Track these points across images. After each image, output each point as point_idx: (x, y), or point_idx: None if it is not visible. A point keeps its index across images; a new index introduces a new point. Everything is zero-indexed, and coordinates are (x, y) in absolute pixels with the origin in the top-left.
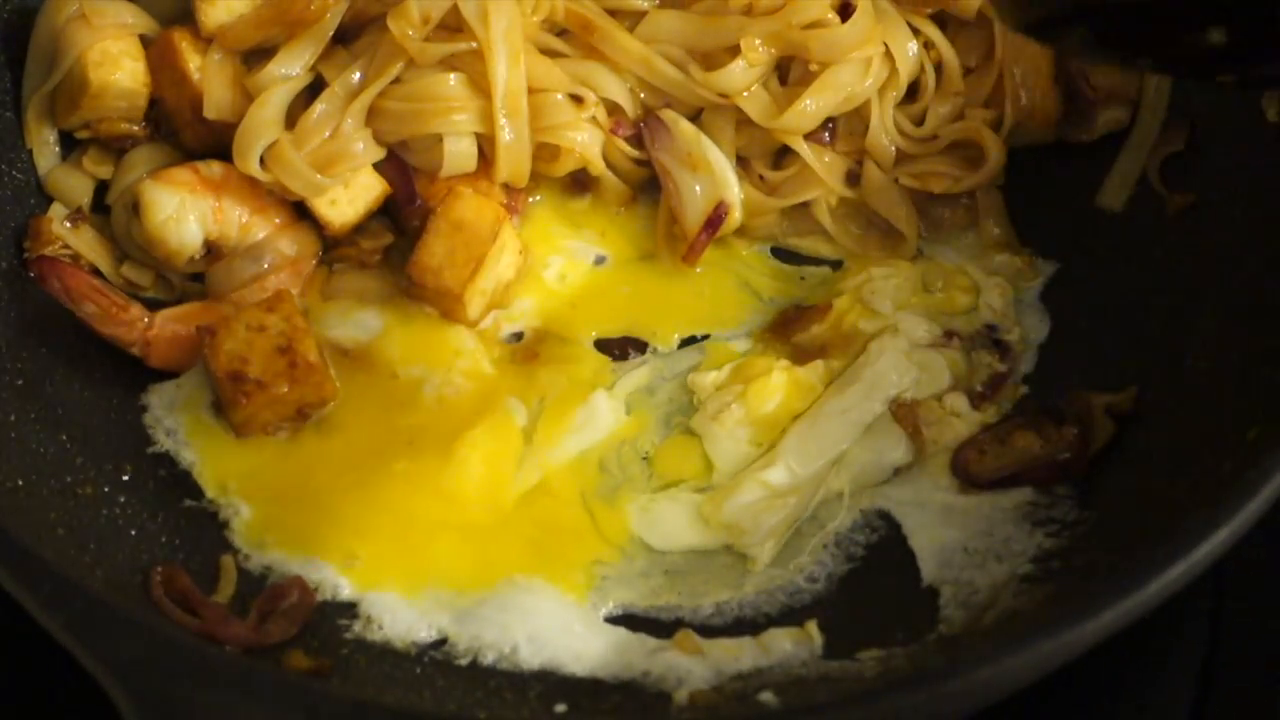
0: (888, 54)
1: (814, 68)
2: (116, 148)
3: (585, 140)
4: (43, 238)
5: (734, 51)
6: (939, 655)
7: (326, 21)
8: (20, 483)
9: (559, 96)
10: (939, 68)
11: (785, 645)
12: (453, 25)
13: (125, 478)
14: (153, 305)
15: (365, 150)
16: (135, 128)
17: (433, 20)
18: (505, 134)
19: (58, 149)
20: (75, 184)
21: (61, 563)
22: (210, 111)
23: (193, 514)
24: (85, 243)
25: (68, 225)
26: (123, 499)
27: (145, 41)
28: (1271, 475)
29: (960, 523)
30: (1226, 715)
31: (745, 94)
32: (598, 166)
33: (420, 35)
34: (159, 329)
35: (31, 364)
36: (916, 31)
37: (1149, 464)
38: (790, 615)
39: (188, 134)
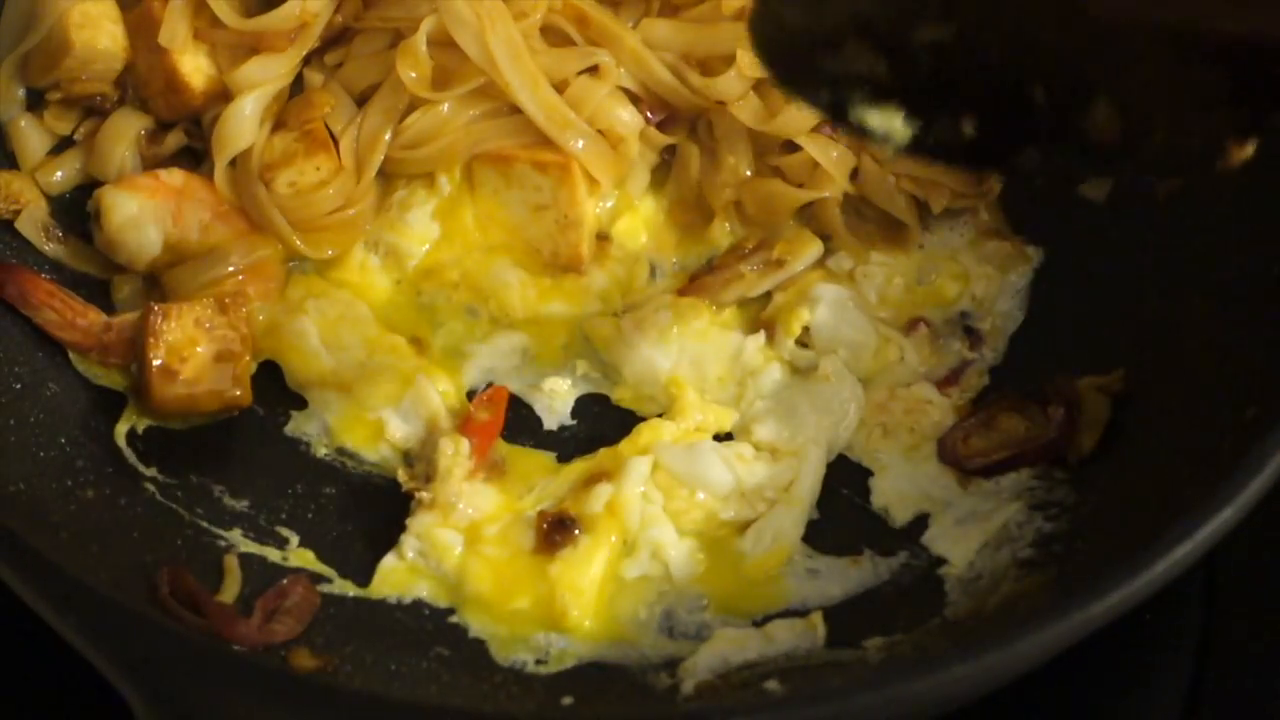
0: None
1: None
2: (82, 106)
3: (630, 120)
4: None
5: (729, 60)
6: (944, 641)
7: (312, 29)
8: (22, 486)
9: (579, 77)
10: None
11: (789, 635)
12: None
13: (126, 480)
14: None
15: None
16: (107, 88)
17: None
18: (572, 145)
19: (25, 109)
20: (35, 139)
21: (68, 565)
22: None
23: (195, 514)
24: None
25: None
26: (123, 501)
27: (121, 4)
28: (1273, 453)
29: (960, 510)
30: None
31: (740, 101)
32: (635, 148)
33: (427, 77)
34: (116, 333)
35: (29, 367)
36: None
37: (1147, 447)
38: (794, 607)
39: (158, 103)
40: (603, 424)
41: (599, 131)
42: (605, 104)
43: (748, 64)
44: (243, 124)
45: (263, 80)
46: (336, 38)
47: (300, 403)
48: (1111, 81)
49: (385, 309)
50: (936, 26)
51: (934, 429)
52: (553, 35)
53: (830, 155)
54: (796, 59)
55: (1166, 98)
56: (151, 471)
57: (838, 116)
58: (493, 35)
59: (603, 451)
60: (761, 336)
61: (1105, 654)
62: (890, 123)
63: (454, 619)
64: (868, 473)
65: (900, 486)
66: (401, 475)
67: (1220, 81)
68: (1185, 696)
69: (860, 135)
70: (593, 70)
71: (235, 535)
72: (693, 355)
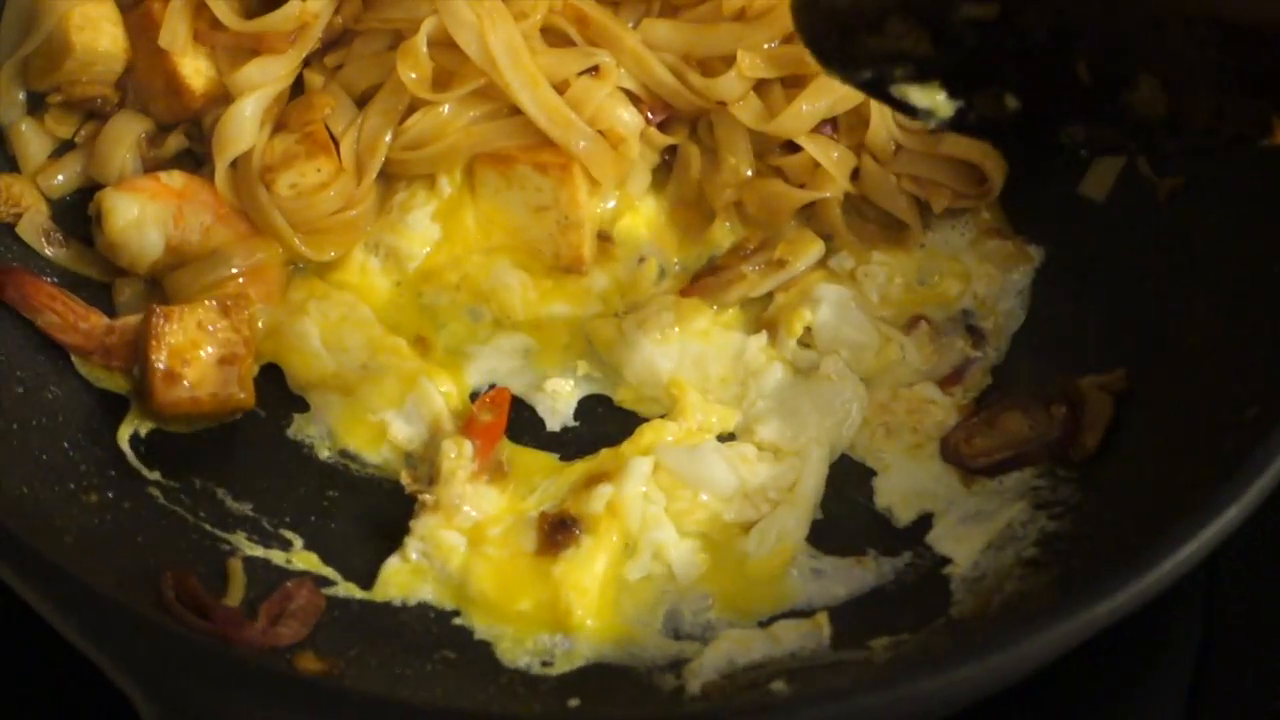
0: None
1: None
2: (83, 109)
3: (631, 121)
4: (0, 196)
5: (730, 60)
6: (949, 640)
7: (311, 31)
8: (25, 490)
9: (580, 78)
10: None
11: (795, 636)
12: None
13: (129, 484)
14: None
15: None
16: (108, 91)
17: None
18: (574, 145)
19: (25, 113)
20: (36, 142)
21: (72, 569)
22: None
23: (199, 517)
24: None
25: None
26: (127, 504)
27: (121, 6)
28: (1277, 451)
29: (964, 509)
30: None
31: (741, 101)
32: (636, 148)
33: (428, 78)
34: (118, 336)
35: (32, 371)
36: None
37: (1149, 446)
38: (799, 607)
39: (158, 105)
40: (605, 425)
41: (600, 132)
42: (606, 105)
43: (748, 65)
44: (243, 126)
45: (263, 82)
46: (336, 39)
47: (302, 405)
48: (1156, 59)
49: (386, 310)
50: (980, 4)
51: (937, 428)
52: (552, 36)
53: (831, 156)
54: (839, 37)
55: (1212, 75)
56: (155, 475)
57: (880, 94)
58: (493, 36)
59: (604, 452)
60: (763, 337)
61: (1106, 655)
62: (933, 99)
63: (459, 621)
64: (871, 473)
65: (903, 486)
66: (405, 478)
67: (1265, 59)
68: (1186, 697)
69: (903, 111)
70: (593, 71)
71: (239, 538)
72: (694, 356)
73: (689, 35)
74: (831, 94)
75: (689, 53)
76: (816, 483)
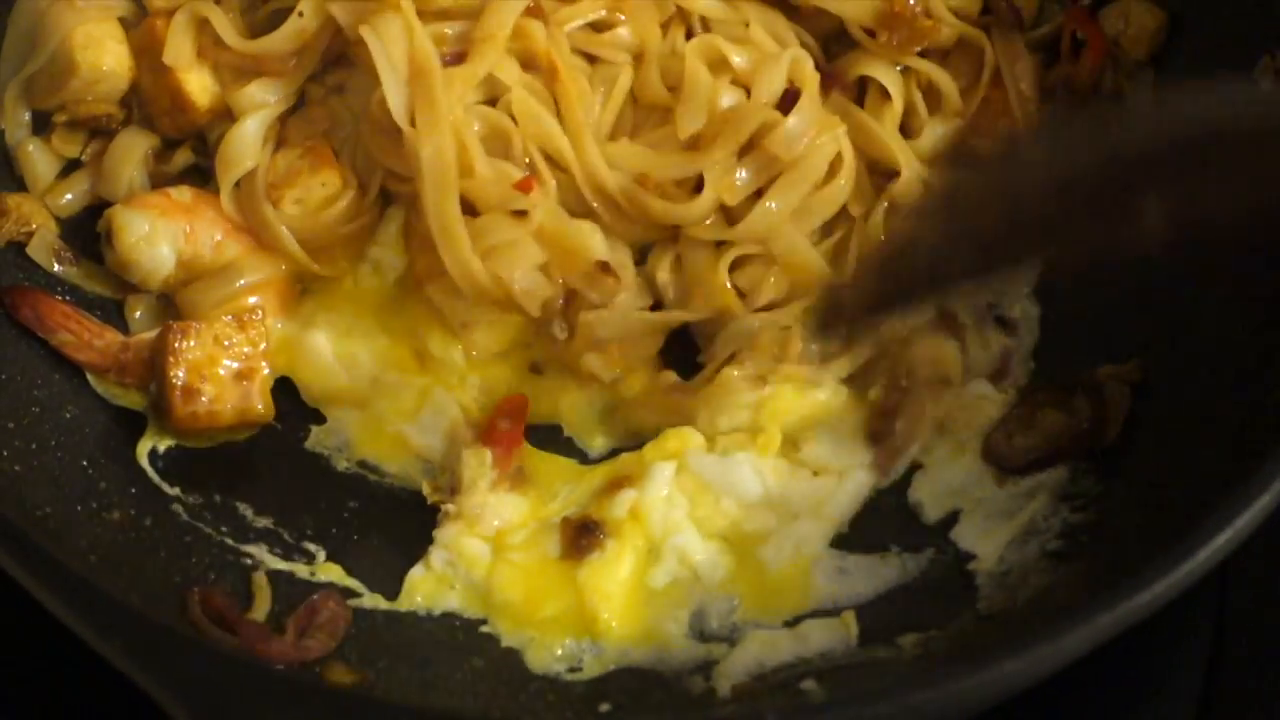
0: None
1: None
2: (89, 127)
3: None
4: (10, 216)
5: (685, 185)
6: (978, 636)
7: (313, 50)
8: (49, 510)
9: None
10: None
11: (822, 635)
12: None
13: (150, 501)
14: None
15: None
16: (113, 108)
17: None
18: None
19: (30, 132)
20: (43, 162)
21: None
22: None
23: (221, 532)
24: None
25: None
26: (149, 521)
27: (124, 24)
28: None
29: (991, 506)
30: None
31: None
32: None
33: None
34: (134, 353)
35: (48, 390)
36: (907, 71)
37: (1170, 435)
38: (824, 606)
39: (164, 121)
40: None
41: None
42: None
43: (729, 194)
44: (246, 146)
45: (264, 102)
46: (336, 59)
47: (319, 417)
48: None
49: (395, 320)
50: None
51: (988, 424)
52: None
53: None
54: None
55: None
56: (175, 491)
57: None
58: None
59: (624, 456)
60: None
61: (1117, 662)
62: None
63: (486, 629)
64: (912, 467)
65: (938, 484)
66: (426, 489)
67: None
68: (1198, 703)
69: None
70: None
71: (262, 552)
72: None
73: (648, 157)
74: (802, 185)
75: (646, 174)
76: (849, 503)
